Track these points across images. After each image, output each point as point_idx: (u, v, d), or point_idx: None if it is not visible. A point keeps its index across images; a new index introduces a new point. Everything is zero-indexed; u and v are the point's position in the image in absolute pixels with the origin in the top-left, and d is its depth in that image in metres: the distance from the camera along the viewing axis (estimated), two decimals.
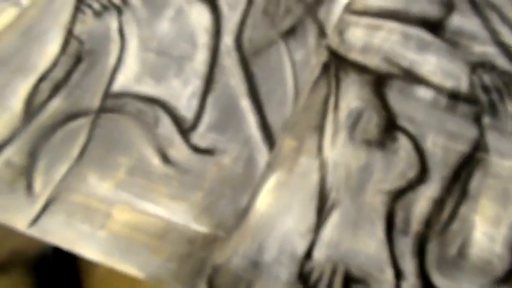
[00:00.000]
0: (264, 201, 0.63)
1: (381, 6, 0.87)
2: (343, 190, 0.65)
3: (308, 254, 0.60)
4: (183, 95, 0.72)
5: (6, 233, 1.13)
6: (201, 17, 0.82)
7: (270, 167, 0.66)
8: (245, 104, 0.71)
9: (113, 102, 0.71)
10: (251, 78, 0.74)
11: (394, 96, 0.74)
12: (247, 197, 0.62)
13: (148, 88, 0.73)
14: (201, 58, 0.76)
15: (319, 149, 0.66)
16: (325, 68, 0.77)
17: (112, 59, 0.76)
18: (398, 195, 0.65)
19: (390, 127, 0.71)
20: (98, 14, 0.84)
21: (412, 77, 0.76)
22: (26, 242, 1.11)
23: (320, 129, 0.70)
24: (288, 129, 0.69)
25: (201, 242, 0.60)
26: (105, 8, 0.84)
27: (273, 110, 0.71)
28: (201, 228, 0.60)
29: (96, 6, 0.85)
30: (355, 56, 0.79)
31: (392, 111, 0.72)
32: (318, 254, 0.59)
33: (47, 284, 1.14)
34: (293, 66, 0.75)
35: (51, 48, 0.78)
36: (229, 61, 0.76)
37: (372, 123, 0.72)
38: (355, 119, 0.72)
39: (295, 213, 0.60)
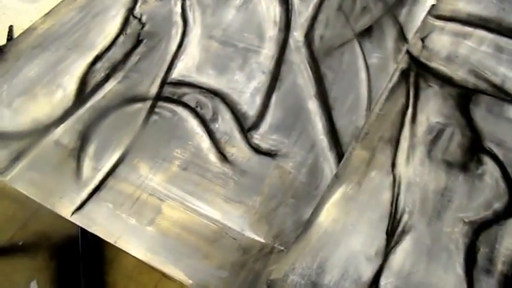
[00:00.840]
0: (329, 215, 0.57)
1: (471, 12, 0.80)
2: (418, 214, 0.58)
3: (374, 282, 0.54)
4: (246, 89, 0.68)
5: (31, 215, 1.12)
6: (270, 8, 0.78)
7: (337, 179, 0.60)
8: (312, 106, 0.66)
9: (171, 90, 0.68)
10: (321, 79, 0.69)
11: (482, 114, 0.67)
12: (310, 209, 0.57)
13: (209, 79, 0.69)
14: (267, 52, 0.72)
15: (393, 164, 0.60)
16: (404, 75, 0.71)
17: (173, 45, 0.73)
18: (481, 227, 0.58)
19: (475, 149, 0.64)
20: None
21: (503, 95, 0.69)
22: (51, 226, 1.10)
23: (394, 142, 0.63)
24: (359, 138, 0.64)
25: (256, 253, 0.55)
26: None
27: (342, 115, 0.66)
28: (257, 237, 0.55)
29: None
30: (438, 65, 0.73)
31: (479, 132, 0.65)
32: (385, 282, 0.53)
33: (69, 270, 1.12)
34: (368, 70, 0.69)
35: (110, 26, 0.76)
36: (297, 58, 0.71)
37: (454, 143, 0.65)
38: (436, 136, 0.65)
39: (363, 233, 0.55)
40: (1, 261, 1.14)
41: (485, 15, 0.75)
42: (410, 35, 0.74)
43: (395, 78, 0.69)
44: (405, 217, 0.56)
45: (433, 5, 0.78)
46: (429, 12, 0.77)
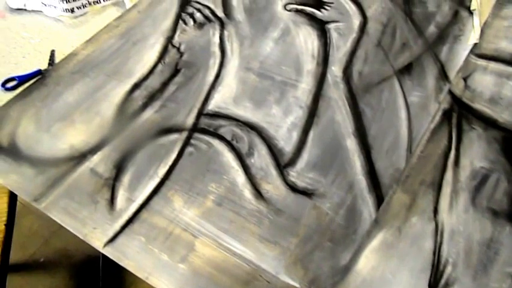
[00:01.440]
0: (367, 263, 0.55)
1: None
2: (462, 266, 0.56)
3: None
4: (283, 124, 0.67)
5: (54, 232, 1.13)
6: (308, 42, 0.78)
7: (377, 224, 0.58)
8: (351, 145, 0.64)
9: (208, 122, 0.68)
10: (359, 116, 0.68)
11: None
12: (348, 254, 0.55)
13: (246, 112, 0.69)
14: (305, 86, 0.71)
15: (435, 210, 0.58)
16: (446, 115, 0.69)
17: (210, 75, 0.73)
18: None
19: None
20: (199, 25, 0.82)
21: None
22: (73, 244, 1.10)
23: (437, 186, 0.62)
24: (400, 181, 0.62)
25: None
26: (207, 19, 0.83)
27: (382, 155, 0.64)
28: (292, 281, 0.54)
29: (199, 16, 0.84)
30: (481, 106, 0.71)
31: None
32: None
33: None
34: (408, 109, 0.68)
35: (149, 54, 0.77)
36: (336, 94, 0.70)
37: (500, 190, 0.63)
38: (480, 182, 0.63)
39: (403, 283, 0.53)
40: (22, 277, 1.14)
41: None
42: (451, 74, 0.73)
43: (437, 118, 0.67)
44: (449, 268, 0.53)
45: (475, 44, 0.77)
46: (471, 51, 0.76)
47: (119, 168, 0.64)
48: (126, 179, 0.63)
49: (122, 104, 0.71)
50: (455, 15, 0.82)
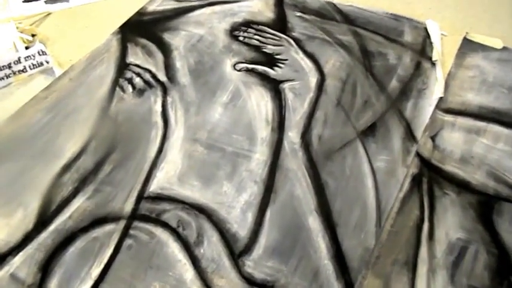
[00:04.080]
0: None
1: (482, 104, 0.83)
2: None
3: None
4: (235, 204, 0.68)
5: None
6: (261, 104, 0.81)
7: None
8: (314, 223, 0.65)
9: (150, 207, 0.67)
10: (322, 189, 0.69)
11: (506, 227, 0.67)
12: None
13: (193, 191, 0.69)
14: (260, 157, 0.73)
15: None
16: (416, 181, 0.71)
17: (152, 150, 0.74)
18: None
19: (504, 271, 0.63)
20: (139, 92, 0.83)
21: None
22: None
23: (411, 266, 0.62)
24: (370, 263, 0.62)
25: None
26: (148, 84, 0.84)
27: (349, 233, 0.65)
28: None
29: (138, 81, 0.85)
30: (452, 168, 0.74)
31: (506, 248, 0.65)
32: None
33: None
34: (374, 176, 0.70)
35: (82, 129, 0.77)
36: (294, 164, 0.72)
37: (479, 264, 0.64)
38: (458, 256, 0.65)
39: None
40: None
41: (497, 108, 0.78)
42: (418, 133, 0.76)
43: (406, 185, 0.69)
44: None
45: (441, 98, 0.81)
46: (437, 106, 0.80)
47: (45, 271, 0.62)
48: (53, 284, 0.61)
49: (49, 192, 0.70)
50: (418, 67, 0.87)
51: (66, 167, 0.73)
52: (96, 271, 0.62)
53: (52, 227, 0.66)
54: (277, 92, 0.83)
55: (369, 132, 0.77)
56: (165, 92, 0.84)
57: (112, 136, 0.77)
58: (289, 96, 0.83)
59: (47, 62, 0.88)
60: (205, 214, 0.67)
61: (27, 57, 0.88)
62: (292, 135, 0.77)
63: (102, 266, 0.62)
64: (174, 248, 0.64)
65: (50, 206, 0.69)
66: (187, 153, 0.75)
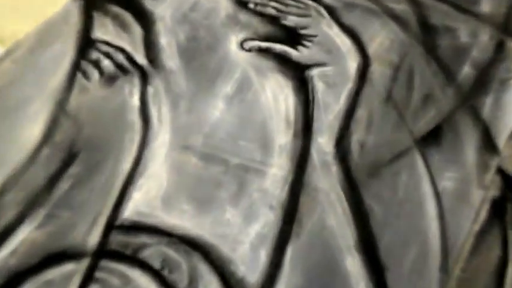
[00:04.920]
0: None
1: None
2: None
3: None
4: (243, 237, 0.69)
5: None
6: (279, 99, 0.82)
7: None
8: (352, 265, 0.67)
9: (123, 240, 0.70)
10: (364, 218, 0.71)
11: None
12: None
13: (183, 219, 0.71)
14: (277, 172, 0.74)
15: None
16: (497, 209, 0.73)
17: (126, 161, 0.76)
18: None
19: None
20: (109, 80, 0.85)
21: None
22: None
23: None
24: None
25: None
26: (121, 69, 0.86)
27: (403, 281, 0.67)
28: None
29: (108, 65, 0.87)
30: None
31: None
32: None
33: None
34: (439, 201, 0.72)
35: (29, 132, 0.78)
36: (325, 182, 0.73)
37: None
38: None
39: None
40: None
41: None
42: (501, 141, 0.77)
43: (483, 214, 0.70)
44: None
45: None
46: None
47: None
48: None
49: None
50: (500, 48, 0.88)
51: (7, 185, 0.75)
52: None
53: None
54: (302, 82, 0.85)
55: (431, 139, 0.78)
56: (144, 80, 0.86)
57: (71, 141, 0.79)
58: (318, 87, 0.84)
59: None
60: (201, 251, 0.69)
61: None
62: (323, 143, 0.78)
63: None
64: None
65: None
66: (175, 166, 0.76)
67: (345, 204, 0.71)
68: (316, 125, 0.80)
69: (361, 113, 0.80)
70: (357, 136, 0.78)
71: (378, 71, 0.85)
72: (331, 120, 0.80)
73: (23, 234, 0.72)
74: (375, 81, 0.84)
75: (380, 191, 0.72)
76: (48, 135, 0.80)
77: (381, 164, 0.75)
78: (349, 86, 0.84)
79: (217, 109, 0.82)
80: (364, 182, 0.73)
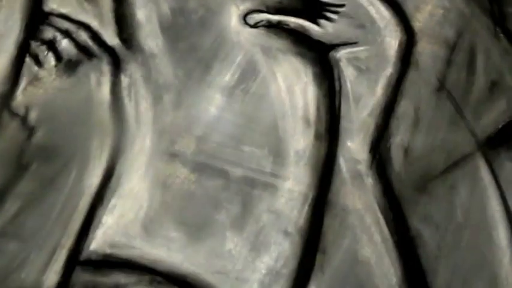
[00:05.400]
0: None
1: None
2: None
3: None
4: (250, 275, 0.71)
5: None
6: (295, 89, 0.83)
7: None
8: None
9: (90, 279, 0.71)
10: (411, 247, 0.71)
11: None
12: None
13: (171, 252, 0.72)
14: (294, 187, 0.75)
15: None
16: None
17: (93, 174, 0.76)
18: None
19: None
20: (69, 65, 0.85)
21: None
22: None
23: None
24: None
25: None
26: (85, 52, 0.86)
27: None
28: None
29: (66, 46, 0.87)
30: None
31: None
32: None
33: None
34: (510, 224, 0.72)
35: None
36: (358, 200, 0.74)
37: None
38: None
39: None
40: None
41: None
42: None
43: None
44: None
45: None
46: None
47: None
48: None
49: None
50: None
51: None
52: None
53: None
54: (326, 67, 0.85)
55: (501, 141, 0.79)
56: (116, 66, 0.86)
57: (18, 148, 0.80)
58: (348, 73, 0.85)
59: None
60: None
61: None
62: (354, 148, 0.79)
63: None
64: None
65: None
66: (159, 180, 0.77)
67: (385, 229, 0.72)
68: (344, 124, 0.80)
69: (404, 108, 0.81)
70: (400, 138, 0.78)
71: (427, 52, 0.85)
72: (365, 118, 0.80)
73: None
74: (423, 64, 0.84)
75: (431, 212, 0.73)
76: None
77: (432, 175, 0.75)
78: (388, 71, 0.84)
79: (214, 104, 0.83)
80: (410, 200, 0.74)
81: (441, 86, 0.81)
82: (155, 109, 0.82)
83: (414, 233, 0.70)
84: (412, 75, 0.83)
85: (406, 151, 0.75)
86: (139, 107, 0.82)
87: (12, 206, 0.76)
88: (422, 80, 0.82)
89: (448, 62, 0.84)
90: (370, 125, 0.79)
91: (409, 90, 0.82)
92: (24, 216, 0.75)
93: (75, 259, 0.72)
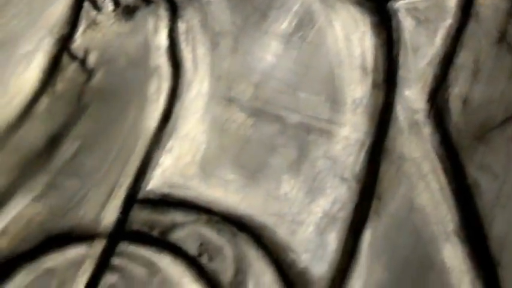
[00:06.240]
0: None
1: None
2: None
3: None
4: (305, 217, 0.71)
5: None
6: (353, 38, 0.84)
7: None
8: (454, 257, 0.69)
9: (148, 218, 0.72)
10: (468, 195, 0.71)
11: None
12: None
13: (227, 192, 0.74)
14: (350, 135, 0.76)
15: None
16: None
17: (151, 117, 0.77)
18: None
19: None
20: (126, 11, 0.86)
21: None
22: None
23: None
24: None
25: None
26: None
27: None
28: None
29: None
30: None
31: None
32: None
33: None
34: None
35: (22, 77, 0.80)
36: (416, 148, 0.74)
37: None
38: None
39: None
40: None
41: None
42: None
43: None
44: None
45: None
46: None
47: None
48: None
49: None
50: None
51: None
52: None
53: None
54: (384, 16, 0.85)
55: None
56: (174, 12, 0.87)
57: (78, 91, 0.81)
58: (406, 23, 0.84)
59: None
60: (250, 234, 0.71)
61: None
62: (412, 97, 0.79)
63: None
64: None
65: None
66: (216, 124, 0.78)
67: (442, 177, 0.72)
68: (402, 73, 0.80)
69: (464, 58, 0.80)
70: (458, 89, 0.78)
71: (488, 3, 0.85)
72: (424, 68, 0.80)
73: (16, 209, 0.74)
74: (484, 16, 0.84)
75: (489, 161, 0.73)
76: (47, 83, 0.82)
77: (490, 125, 0.75)
78: (447, 22, 0.84)
79: (270, 51, 0.83)
80: (467, 150, 0.74)
81: (501, 38, 0.81)
82: (212, 55, 0.83)
83: (471, 181, 0.69)
84: (472, 27, 0.83)
85: (465, 101, 0.75)
86: (196, 52, 0.83)
87: (71, 145, 0.77)
88: (483, 31, 0.82)
89: (509, 14, 0.83)
90: (429, 74, 0.79)
91: (469, 41, 0.82)
92: (83, 156, 0.76)
93: (133, 198, 0.73)
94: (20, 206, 0.74)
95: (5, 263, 0.71)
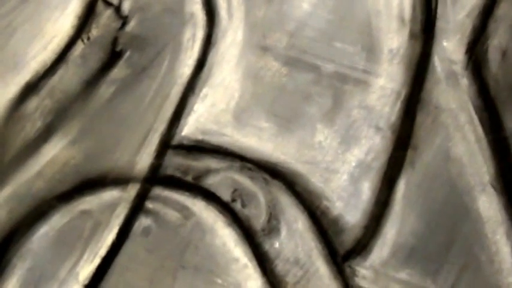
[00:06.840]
0: None
1: None
2: None
3: None
4: (339, 166, 0.72)
5: None
6: None
7: None
8: (489, 208, 0.69)
9: (182, 163, 0.73)
10: (504, 147, 0.71)
11: None
12: None
13: (261, 140, 0.74)
14: (386, 84, 0.75)
15: None
16: None
17: (185, 64, 0.78)
18: None
19: None
20: None
21: None
22: None
23: None
24: None
25: None
26: None
27: None
28: None
29: None
30: None
31: None
32: None
33: None
34: None
35: (57, 22, 0.81)
36: (453, 99, 0.74)
37: None
38: None
39: None
40: None
41: None
42: None
43: None
44: None
45: None
46: None
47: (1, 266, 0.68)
48: (10, 286, 0.66)
49: (3, 128, 0.75)
50: None
51: (30, 88, 0.78)
52: (86, 270, 0.67)
53: (8, 191, 0.72)
54: None
55: None
56: None
57: (113, 36, 0.81)
58: None
59: None
60: (284, 181, 0.72)
61: None
62: (450, 48, 0.78)
63: (97, 261, 0.68)
64: (227, 238, 0.68)
65: (5, 153, 0.74)
66: (251, 72, 0.78)
67: (479, 129, 0.72)
68: (440, 24, 0.79)
69: (504, 10, 0.79)
70: (497, 40, 0.77)
71: None
72: (462, 18, 0.79)
73: (51, 152, 0.75)
74: None
75: None
76: (81, 28, 0.83)
77: None
78: None
79: (306, 0, 0.82)
80: (505, 101, 0.73)
81: None
82: (247, 3, 0.82)
83: (509, 133, 0.69)
84: None
85: (504, 53, 0.74)
86: (232, 0, 0.82)
87: (106, 90, 0.78)
88: None
89: None
90: (468, 26, 0.78)
91: None
92: (118, 101, 0.77)
93: (168, 143, 0.74)
94: (55, 150, 0.75)
95: (41, 203, 0.71)
